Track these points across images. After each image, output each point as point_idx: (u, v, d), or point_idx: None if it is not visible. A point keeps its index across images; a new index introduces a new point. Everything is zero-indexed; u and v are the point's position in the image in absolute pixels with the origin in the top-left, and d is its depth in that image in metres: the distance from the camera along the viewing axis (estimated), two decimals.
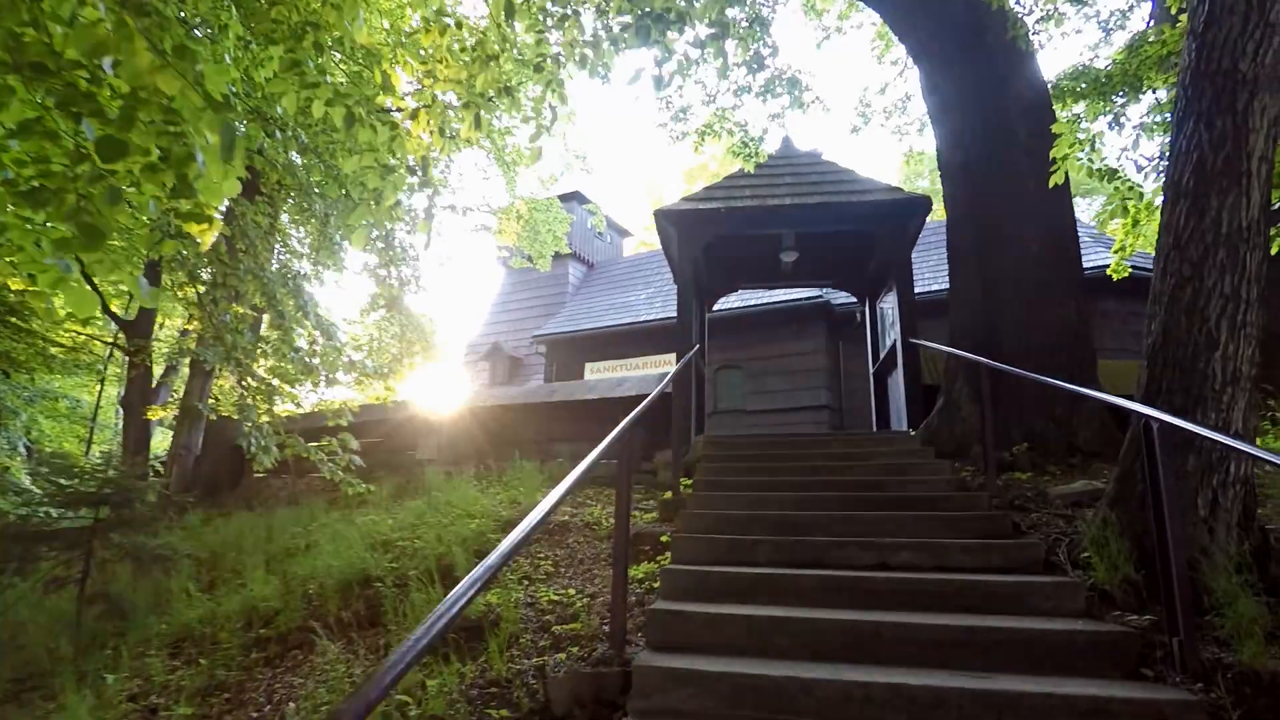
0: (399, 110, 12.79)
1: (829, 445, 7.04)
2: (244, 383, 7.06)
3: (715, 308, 11.76)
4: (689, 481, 6.42)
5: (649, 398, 5.48)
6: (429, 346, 16.16)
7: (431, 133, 6.23)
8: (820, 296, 19.55)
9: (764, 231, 8.89)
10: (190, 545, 7.59)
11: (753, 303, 20.34)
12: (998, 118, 7.54)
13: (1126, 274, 8.39)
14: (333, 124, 4.67)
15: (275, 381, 7.46)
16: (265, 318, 10.27)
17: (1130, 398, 4.03)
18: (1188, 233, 4.05)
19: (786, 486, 5.79)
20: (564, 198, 23.20)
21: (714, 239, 8.96)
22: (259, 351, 7.42)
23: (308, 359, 7.62)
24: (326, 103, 4.36)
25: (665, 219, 8.61)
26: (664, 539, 5.14)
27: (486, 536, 5.81)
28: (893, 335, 8.87)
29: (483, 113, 11.85)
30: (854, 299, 20.06)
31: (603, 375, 22.50)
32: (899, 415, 8.46)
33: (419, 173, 8.18)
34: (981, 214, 7.46)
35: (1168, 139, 5.22)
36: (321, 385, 8.04)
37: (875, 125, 15.59)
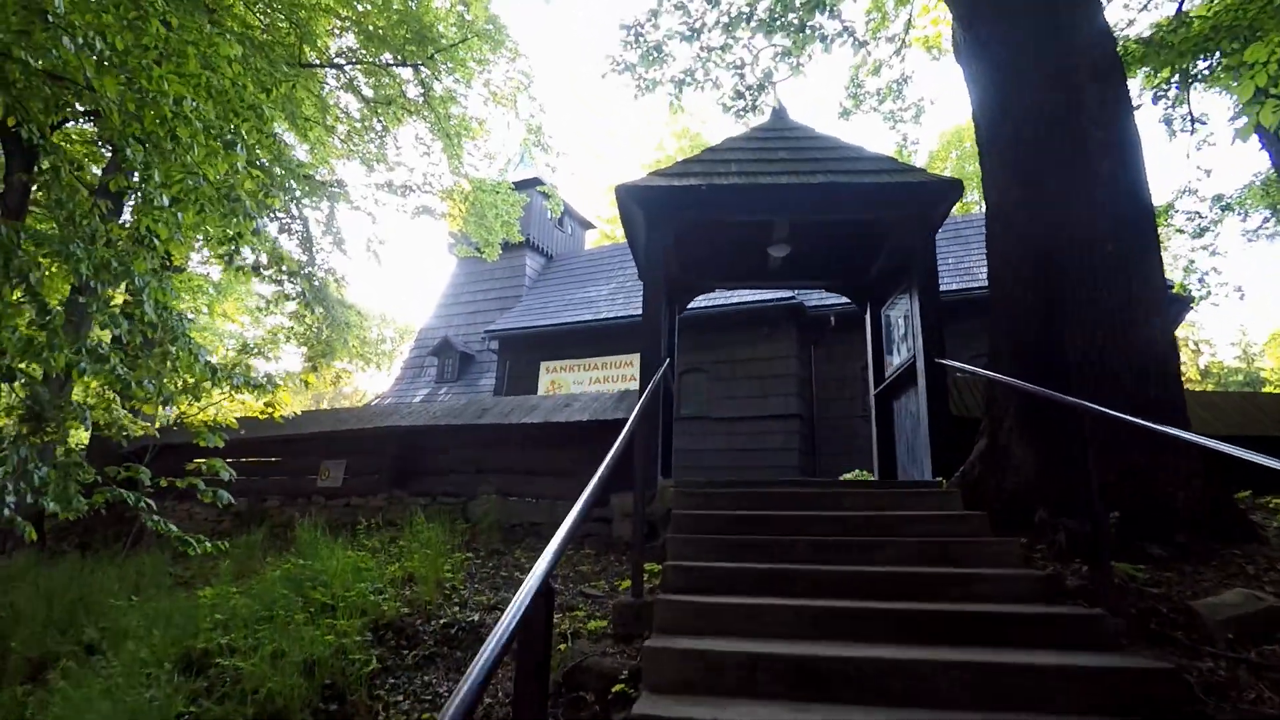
0: (325, 65, 10.42)
1: (840, 503, 5.13)
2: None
3: None
4: (654, 566, 4.46)
5: (613, 451, 3.52)
6: (361, 344, 13.92)
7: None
8: (793, 298, 17.73)
9: (751, 218, 6.94)
10: None
11: (720, 302, 18.44)
12: (1060, 79, 5.71)
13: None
14: None
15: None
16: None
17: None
18: None
19: (793, 583, 3.86)
20: (521, 185, 21.01)
21: (690, 225, 6.99)
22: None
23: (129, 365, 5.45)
24: None
25: (630, 197, 6.61)
26: (619, 685, 3.17)
27: (349, 659, 3.75)
28: (905, 350, 7.03)
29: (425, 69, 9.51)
30: (837, 301, 18.37)
31: (559, 375, 20.45)
32: (914, 454, 6.62)
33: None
34: (1037, 202, 5.63)
35: None
36: (163, 399, 5.88)
37: (867, 110, 13.81)
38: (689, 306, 8.75)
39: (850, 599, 3.66)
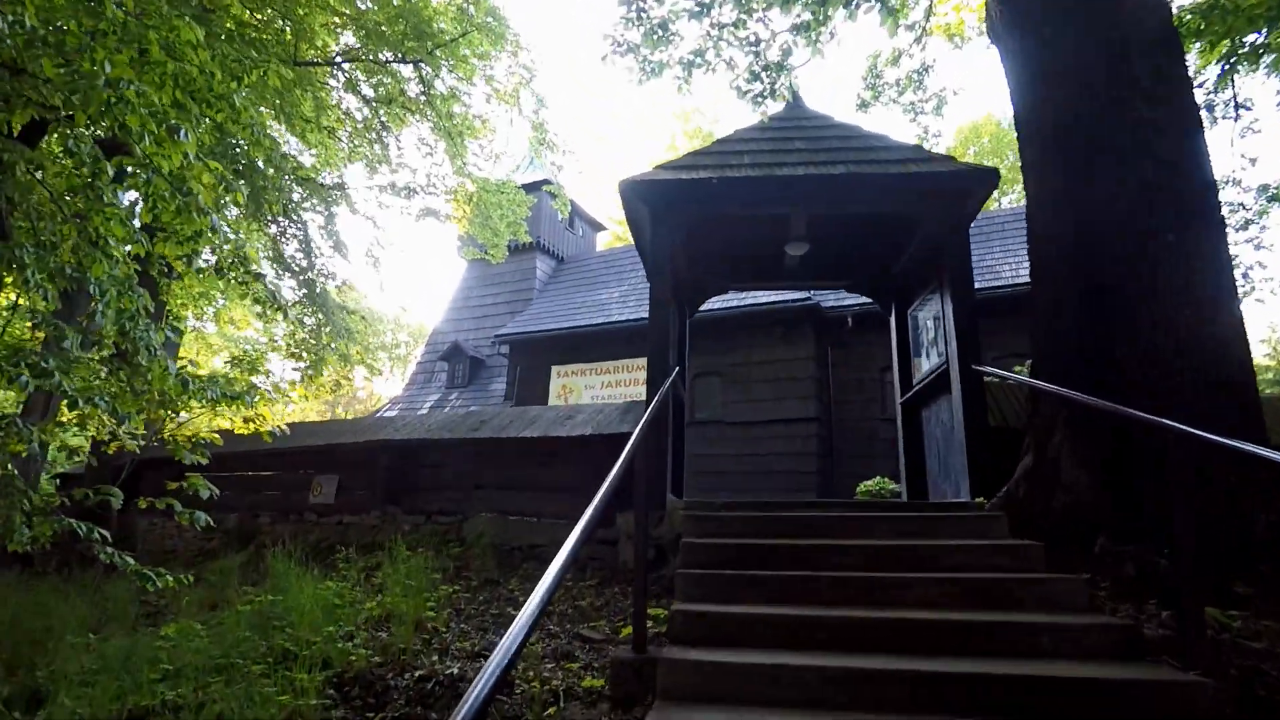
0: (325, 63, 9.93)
1: (870, 530, 4.52)
2: None
3: None
4: (659, 612, 3.89)
5: (614, 472, 3.00)
6: (365, 351, 13.45)
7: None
8: (809, 298, 17.09)
9: (767, 212, 6.34)
10: None
11: (734, 304, 17.83)
12: (1110, 52, 5.08)
13: None
14: None
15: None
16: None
17: None
18: None
19: (815, 633, 3.27)
20: (530, 187, 20.48)
21: (700, 222, 6.41)
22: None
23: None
24: None
25: (635, 193, 6.04)
26: None
27: None
28: (935, 355, 6.41)
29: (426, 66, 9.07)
30: (855, 301, 17.68)
31: (571, 380, 19.93)
32: (948, 469, 6.00)
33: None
34: (1085, 189, 5.00)
35: None
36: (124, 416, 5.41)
37: (886, 102, 13.13)
38: (701, 309, 8.18)
39: (885, 655, 3.06)
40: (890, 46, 10.87)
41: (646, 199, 6.12)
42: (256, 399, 6.05)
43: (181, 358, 16.23)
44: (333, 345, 10.43)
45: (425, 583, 4.68)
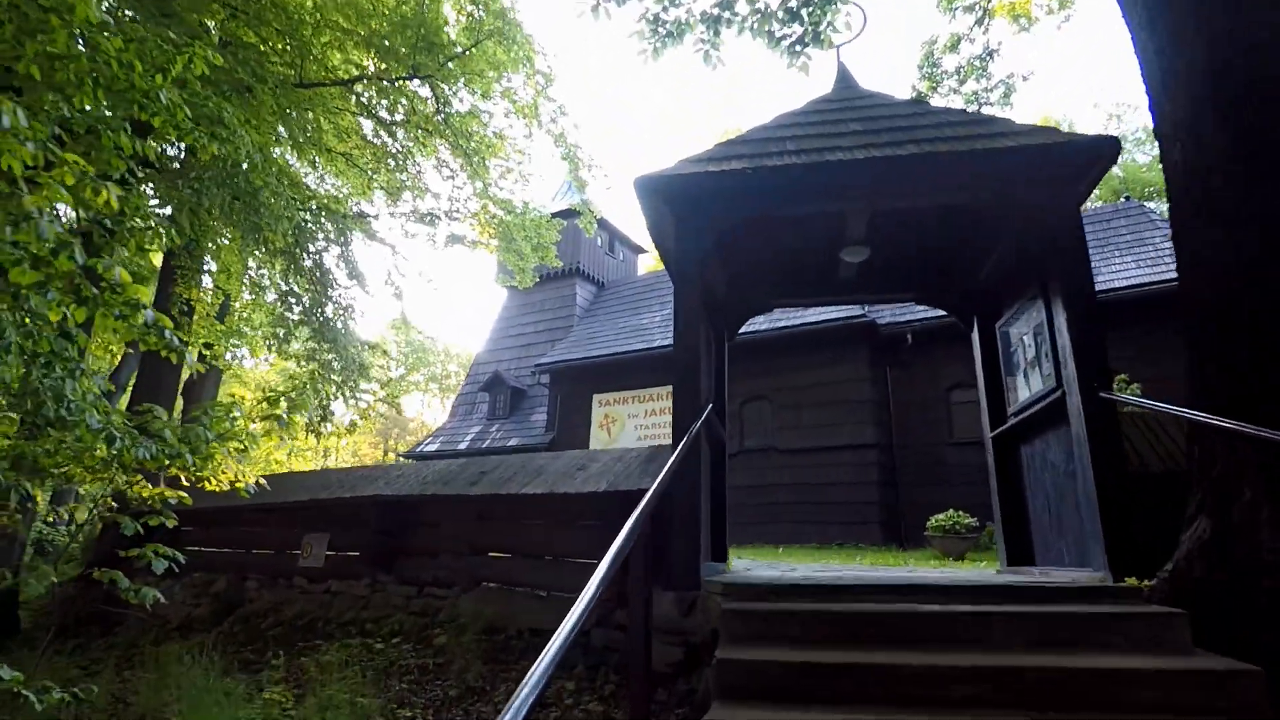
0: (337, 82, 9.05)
1: (991, 634, 3.12)
2: None
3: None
4: None
5: (612, 552, 1.77)
6: (386, 384, 12.47)
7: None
8: (864, 315, 15.55)
9: (816, 210, 5.03)
10: None
11: (781, 323, 16.41)
12: None
13: None
14: None
15: None
16: None
17: None
18: None
19: None
20: (567, 214, 19.57)
21: (735, 225, 5.14)
22: None
23: None
24: None
25: (654, 192, 4.82)
26: None
27: None
28: (1038, 379, 4.97)
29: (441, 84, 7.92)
30: (914, 316, 16.04)
31: (613, 409, 18.72)
32: (1065, 526, 4.54)
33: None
34: (1267, 163, 3.58)
35: None
36: None
37: (945, 93, 11.68)
38: (742, 331, 6.87)
39: None
40: (948, 31, 9.50)
41: (668, 198, 4.89)
42: (209, 455, 4.99)
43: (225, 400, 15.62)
44: (347, 383, 9.45)
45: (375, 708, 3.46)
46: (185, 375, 18.40)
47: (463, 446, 20.55)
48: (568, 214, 19.24)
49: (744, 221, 5.19)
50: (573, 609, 1.88)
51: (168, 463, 4.94)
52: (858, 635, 3.17)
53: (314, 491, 6.42)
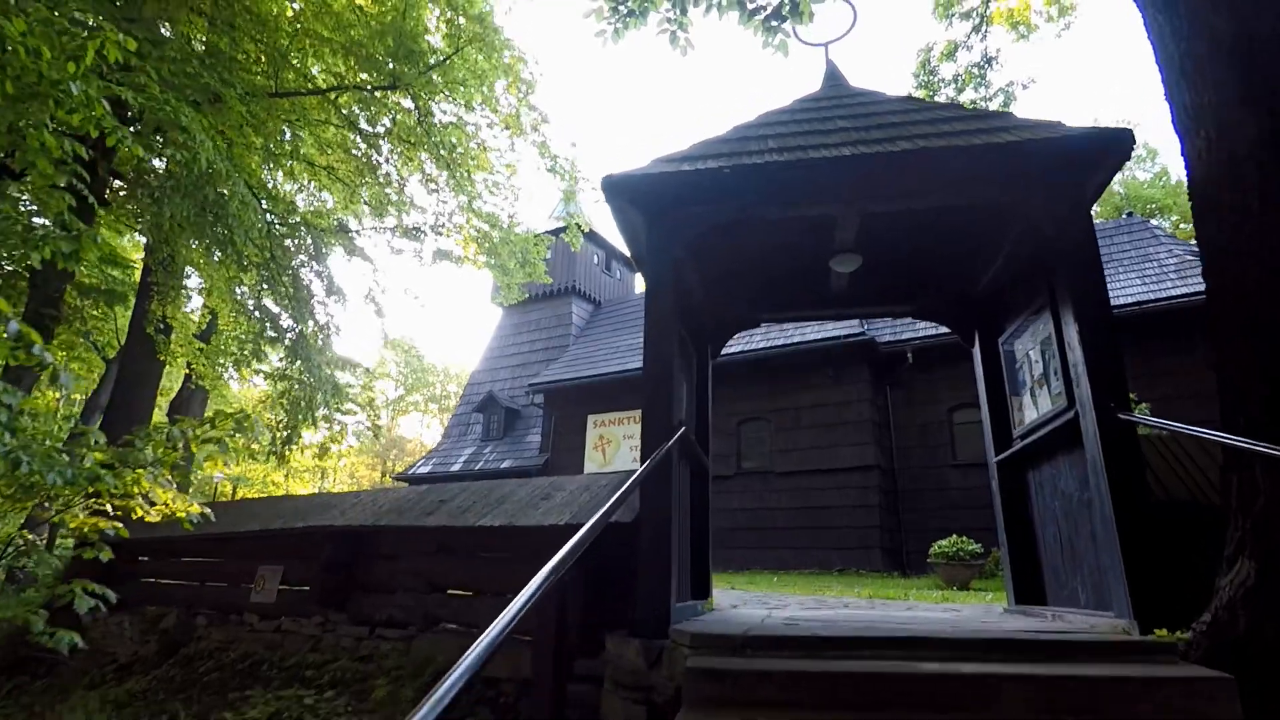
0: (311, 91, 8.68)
1: (999, 698, 2.61)
2: None
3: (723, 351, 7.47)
4: None
5: (529, 590, 1.25)
6: (367, 405, 12.00)
7: None
8: (862, 333, 15.07)
9: (803, 214, 4.58)
10: None
11: (778, 342, 15.94)
12: None
13: None
14: None
15: None
16: None
17: None
18: None
19: None
20: (560, 232, 19.21)
21: (712, 230, 4.68)
22: None
23: None
24: None
25: (622, 193, 4.38)
26: None
27: None
28: (1046, 399, 4.48)
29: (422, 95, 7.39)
30: (915, 334, 15.53)
31: (608, 430, 18.21)
32: (1078, 561, 4.03)
33: None
34: None
35: None
36: None
37: (943, 99, 11.26)
38: (738, 349, 6.39)
39: None
40: (944, 39, 9.15)
41: (637, 200, 4.45)
42: (134, 477, 4.52)
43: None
44: (314, 405, 8.98)
45: None
46: (170, 395, 17.94)
47: (456, 468, 20.04)
48: (562, 232, 18.89)
49: (722, 226, 4.74)
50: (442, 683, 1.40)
51: (90, 488, 4.48)
52: (844, 701, 2.66)
53: (266, 521, 5.92)
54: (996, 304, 5.24)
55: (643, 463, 3.88)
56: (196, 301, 13.94)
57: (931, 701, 2.60)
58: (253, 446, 8.67)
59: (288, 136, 9.66)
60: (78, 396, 18.09)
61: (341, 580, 5.39)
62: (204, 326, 12.55)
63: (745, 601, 6.27)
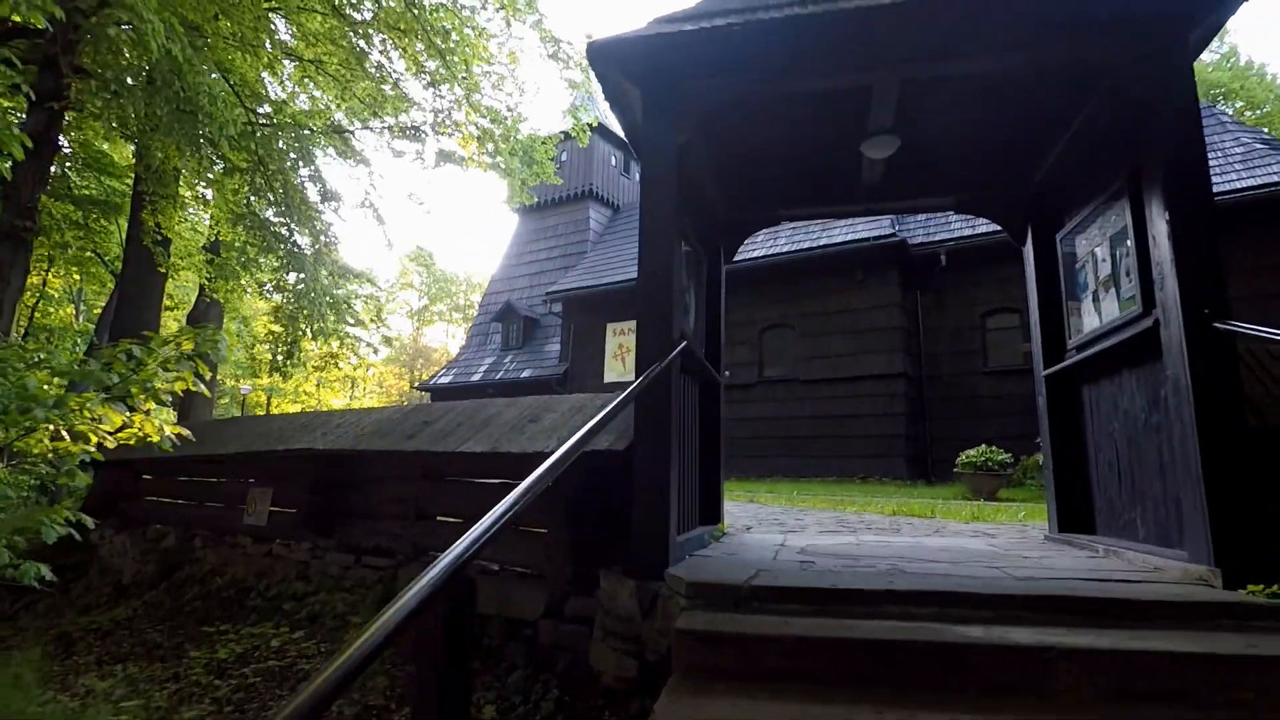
0: None
1: (1055, 680, 2.12)
2: None
3: (740, 255, 6.76)
4: None
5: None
6: (362, 318, 11.53)
7: None
8: (893, 234, 14.10)
9: (829, 85, 3.79)
10: None
11: (803, 245, 15.03)
12: None
13: None
14: None
15: None
16: None
17: None
18: None
19: None
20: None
21: (721, 106, 3.93)
22: None
23: None
24: None
25: (611, 62, 3.62)
26: None
27: None
28: (1111, 303, 3.79)
29: None
30: (949, 235, 14.47)
31: (627, 338, 17.66)
32: (1144, 495, 3.45)
33: None
34: None
35: None
36: None
37: None
38: (745, 254, 5.67)
39: None
40: None
41: (630, 71, 3.69)
42: (79, 402, 4.10)
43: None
44: (316, 316, 8.51)
45: None
46: (187, 308, 17.66)
47: (476, 379, 19.84)
48: (591, 129, 17.78)
49: (735, 103, 3.98)
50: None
51: (24, 422, 4.08)
52: (868, 675, 2.17)
53: (249, 443, 5.56)
54: (1057, 193, 4.46)
55: (637, 372, 3.34)
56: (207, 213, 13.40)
57: (977, 680, 2.10)
58: (254, 361, 8.27)
59: (282, 29, 8.75)
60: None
61: (328, 505, 5.06)
62: (213, 238, 12.06)
63: (760, 521, 5.86)
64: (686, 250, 4.34)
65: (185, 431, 5.03)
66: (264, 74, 9.79)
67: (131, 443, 4.87)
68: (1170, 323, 3.04)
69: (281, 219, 8.73)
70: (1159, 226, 3.14)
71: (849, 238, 14.23)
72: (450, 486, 4.55)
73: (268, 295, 8.59)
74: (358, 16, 9.35)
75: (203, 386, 4.93)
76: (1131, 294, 3.56)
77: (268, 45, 8.39)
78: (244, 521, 5.72)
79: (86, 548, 7.41)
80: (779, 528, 5.49)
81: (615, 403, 3.00)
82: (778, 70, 3.62)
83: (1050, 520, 4.55)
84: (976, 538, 4.70)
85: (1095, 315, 4.04)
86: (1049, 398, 4.52)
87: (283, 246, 8.63)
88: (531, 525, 3.98)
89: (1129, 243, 3.59)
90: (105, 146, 11.27)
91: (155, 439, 4.89)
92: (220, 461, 6.06)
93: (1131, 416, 3.69)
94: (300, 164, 9.08)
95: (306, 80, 10.35)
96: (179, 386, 4.99)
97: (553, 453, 2.62)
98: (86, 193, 11.96)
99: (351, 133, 10.67)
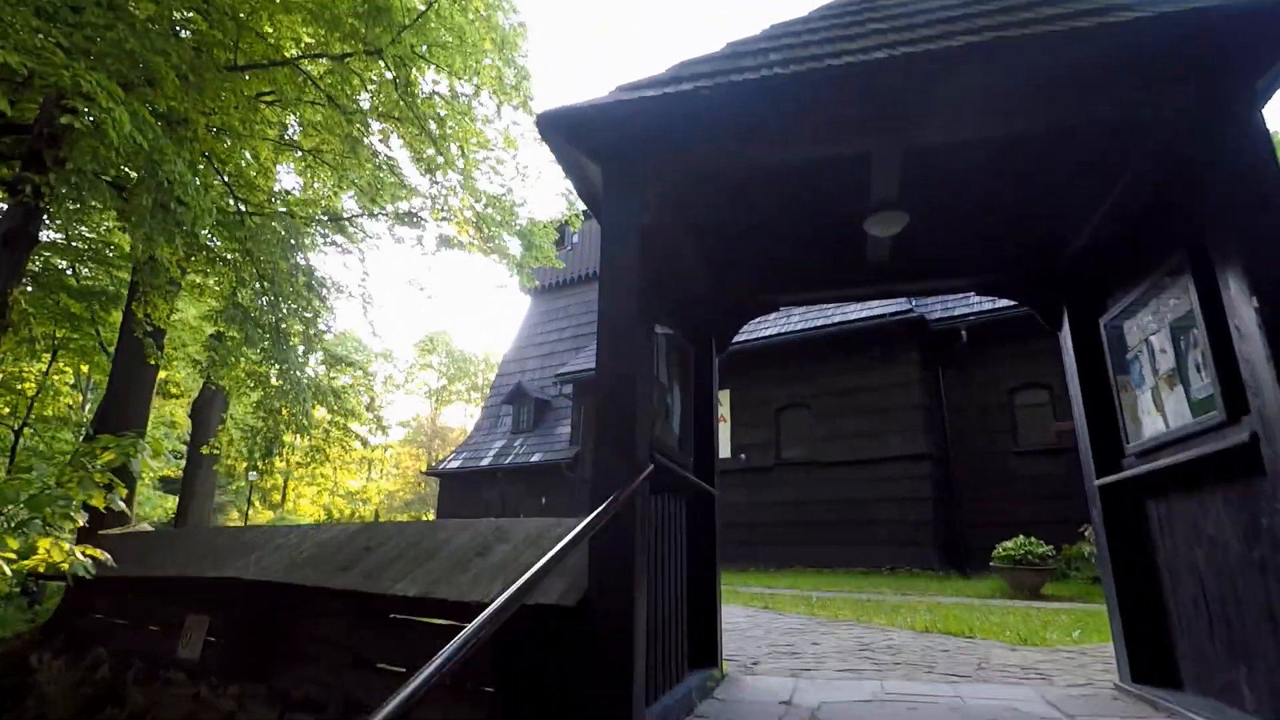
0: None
1: None
2: None
3: (743, 336, 6.12)
4: None
5: None
6: (354, 413, 10.96)
7: None
8: (910, 309, 13.48)
9: (820, 153, 3.23)
10: None
11: (817, 323, 14.43)
12: None
13: None
14: None
15: None
16: None
17: None
18: None
19: None
20: (584, 216, 17.98)
21: (694, 177, 3.38)
22: None
23: None
24: None
25: (563, 133, 3.09)
26: None
27: None
28: (1176, 403, 3.05)
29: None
30: (969, 310, 13.79)
31: None
32: (1242, 649, 2.61)
33: None
34: None
35: None
36: None
37: None
38: (757, 333, 5.03)
39: None
40: None
41: (588, 147, 3.15)
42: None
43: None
44: (297, 412, 7.98)
45: None
46: (191, 396, 17.30)
47: (485, 462, 19.15)
48: (585, 216, 17.64)
49: (711, 175, 3.42)
50: None
51: None
52: None
53: (183, 564, 4.88)
54: (1098, 270, 3.79)
55: (592, 510, 2.63)
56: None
57: None
58: (228, 461, 7.77)
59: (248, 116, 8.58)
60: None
61: (259, 642, 4.31)
62: (217, 329, 11.78)
63: (772, 648, 5.00)
64: (666, 335, 3.70)
65: (102, 555, 4.39)
66: (268, 163, 9.64)
67: (40, 569, 4.22)
68: (1276, 439, 2.30)
69: (267, 309, 8.33)
70: (1242, 314, 2.44)
71: (865, 314, 13.61)
72: (392, 627, 3.80)
73: (247, 390, 8.12)
74: (350, 105, 9.21)
75: (120, 504, 4.31)
76: (1207, 394, 2.83)
77: (257, 139, 8.19)
78: (178, 653, 4.97)
79: (28, 670, 6.68)
80: (791, 659, 4.64)
81: (562, 544, 2.33)
82: (757, 139, 3.06)
83: (1119, 664, 3.67)
84: (1028, 684, 3.82)
85: (1158, 417, 3.29)
86: (1105, 512, 3.72)
87: (267, 338, 8.20)
88: (482, 684, 3.20)
89: (1195, 332, 2.89)
90: (109, 237, 11.17)
91: (64, 566, 4.25)
92: (162, 585, 5.37)
93: (1221, 545, 2.90)
94: (292, 253, 8.75)
95: (308, 170, 10.19)
96: (98, 501, 4.39)
97: (491, 602, 1.94)
98: (88, 283, 11.79)
99: (349, 220, 10.44)
